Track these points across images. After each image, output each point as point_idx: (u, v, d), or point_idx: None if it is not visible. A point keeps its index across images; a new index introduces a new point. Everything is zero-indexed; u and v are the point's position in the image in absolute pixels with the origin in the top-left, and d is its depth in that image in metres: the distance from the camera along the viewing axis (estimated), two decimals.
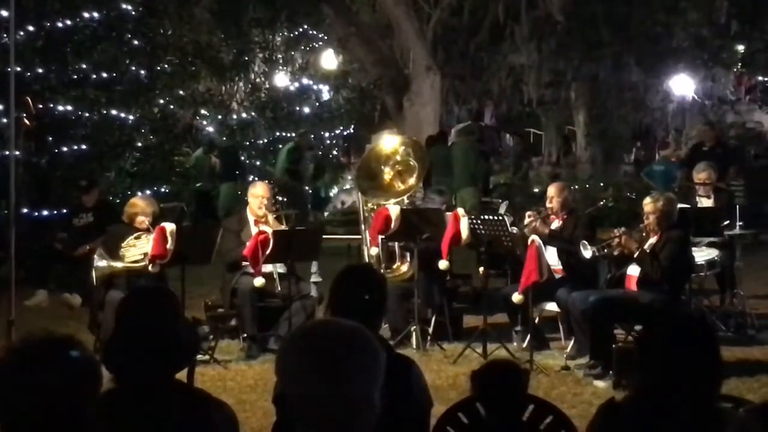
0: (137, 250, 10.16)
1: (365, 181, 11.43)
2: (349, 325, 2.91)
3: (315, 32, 27.08)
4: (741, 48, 27.47)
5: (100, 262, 10.09)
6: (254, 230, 10.48)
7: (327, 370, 2.74)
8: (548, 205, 10.62)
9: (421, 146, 12.37)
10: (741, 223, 11.43)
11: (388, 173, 11.24)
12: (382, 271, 10.70)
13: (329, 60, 27.17)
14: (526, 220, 10.47)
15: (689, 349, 3.57)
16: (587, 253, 9.58)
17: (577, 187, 22.49)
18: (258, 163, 24.16)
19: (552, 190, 10.73)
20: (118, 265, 10.12)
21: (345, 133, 28.32)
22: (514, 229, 10.38)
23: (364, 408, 2.75)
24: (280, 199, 12.24)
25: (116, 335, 3.90)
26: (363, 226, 11.24)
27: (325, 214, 21.66)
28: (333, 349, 2.77)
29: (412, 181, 11.20)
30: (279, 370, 2.86)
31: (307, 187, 22.59)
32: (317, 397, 2.73)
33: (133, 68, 17.69)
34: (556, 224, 10.49)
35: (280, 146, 24.26)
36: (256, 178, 19.60)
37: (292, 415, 2.79)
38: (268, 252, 10.05)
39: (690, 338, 3.61)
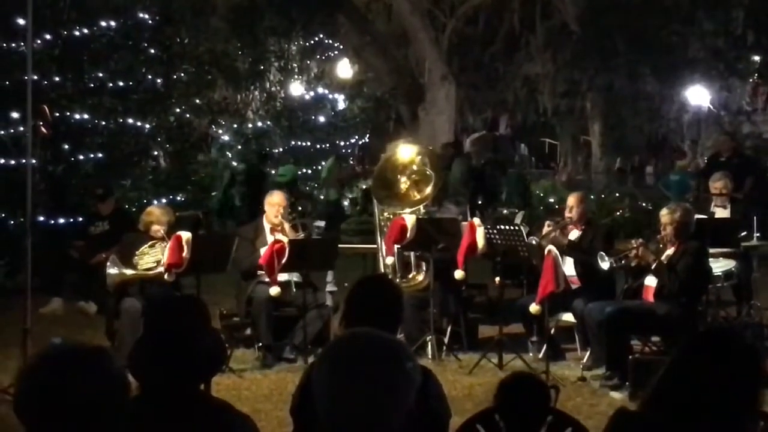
0: (150, 258, 10.16)
1: (381, 190, 11.41)
2: (389, 341, 2.90)
3: (330, 41, 27.15)
4: (757, 58, 27.42)
5: (112, 270, 10.09)
6: (270, 238, 10.49)
7: (362, 387, 2.74)
8: (567, 214, 10.57)
9: (438, 156, 12.36)
10: (758, 234, 11.40)
11: (404, 183, 11.22)
12: (397, 280, 10.69)
13: (344, 69, 27.23)
14: (545, 230, 10.42)
15: (726, 369, 3.45)
16: (605, 264, 9.54)
17: (593, 197, 22.50)
18: (273, 171, 24.18)
19: (572, 199, 10.68)
20: (130, 272, 10.12)
21: (360, 142, 28.33)
22: (533, 240, 10.33)
23: (394, 425, 2.75)
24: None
25: (144, 341, 3.86)
26: (379, 236, 11.22)
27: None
28: (370, 366, 2.77)
29: (428, 190, 11.17)
30: (311, 382, 2.85)
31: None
32: (349, 413, 2.73)
33: (150, 77, 17.73)
34: (574, 234, 10.45)
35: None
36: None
37: (320, 427, 2.78)
38: (283, 261, 10.04)
39: (730, 358, 3.49)
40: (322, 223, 15.44)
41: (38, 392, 2.82)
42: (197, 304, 4.05)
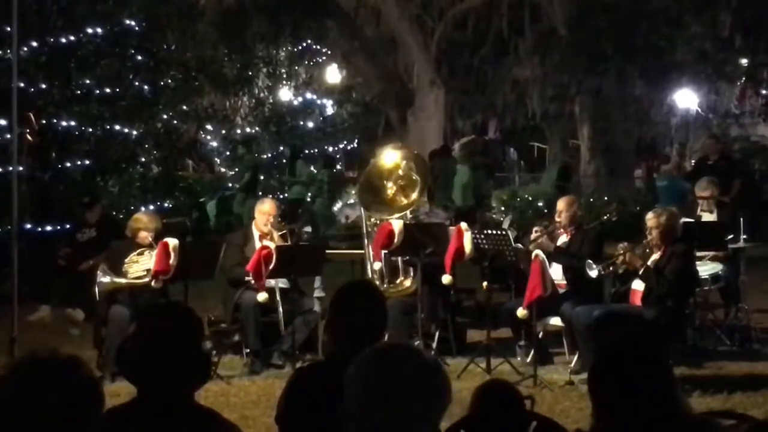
0: (140, 266, 10.16)
1: (368, 195, 11.40)
2: (428, 362, 2.90)
3: (319, 47, 27.14)
4: (745, 61, 27.45)
5: (104, 278, 10.08)
6: (258, 246, 10.48)
7: (395, 405, 2.74)
8: (557, 219, 10.57)
9: (424, 160, 12.33)
10: (745, 237, 11.41)
11: (390, 188, 11.20)
12: (385, 285, 10.70)
13: (333, 74, 27.23)
14: (533, 236, 10.41)
15: (636, 371, 3.53)
16: (593, 272, 9.54)
17: (581, 201, 22.49)
18: (261, 177, 24.16)
19: (561, 204, 10.68)
20: (121, 281, 10.11)
21: (349, 147, 28.32)
22: (519, 246, 10.33)
23: None
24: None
25: (141, 346, 3.80)
26: (366, 241, 11.21)
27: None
28: (405, 385, 2.77)
29: (414, 195, 11.16)
30: (346, 391, 2.86)
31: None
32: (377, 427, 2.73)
33: (137, 83, 17.69)
34: (563, 239, 10.44)
35: (284, 161, 24.30)
36: (260, 193, 19.67)
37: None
38: (271, 267, 10.03)
39: (634, 363, 3.57)
40: (310, 228, 15.49)
41: (9, 403, 2.81)
42: (191, 311, 4.04)
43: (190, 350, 3.73)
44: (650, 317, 9.25)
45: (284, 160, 24.09)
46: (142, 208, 14.78)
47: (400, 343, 3.06)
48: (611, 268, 9.74)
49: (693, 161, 21.86)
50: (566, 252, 10.26)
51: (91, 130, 16.46)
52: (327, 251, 11.55)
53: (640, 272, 9.52)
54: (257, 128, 24.79)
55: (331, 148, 26.50)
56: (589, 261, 9.62)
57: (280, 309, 10.31)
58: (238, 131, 24.62)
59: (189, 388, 3.72)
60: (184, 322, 3.83)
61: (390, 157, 11.47)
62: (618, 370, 3.53)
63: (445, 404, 2.87)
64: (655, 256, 9.61)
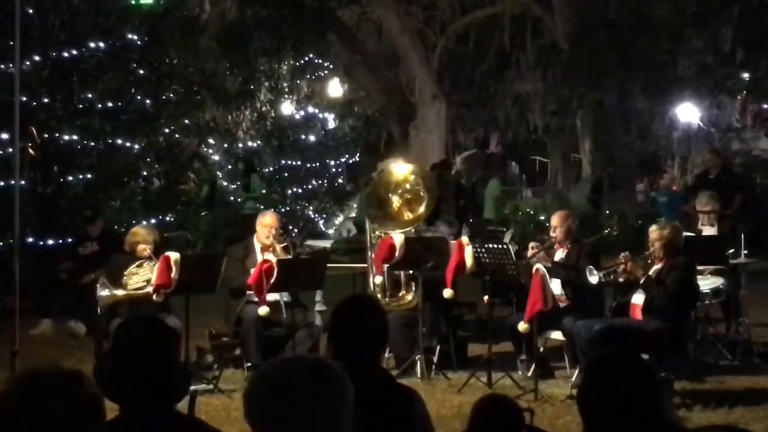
0: (139, 277, 10.19)
1: (373, 208, 11.39)
2: (309, 361, 2.95)
3: (321, 61, 27.12)
4: (746, 76, 27.49)
5: (103, 292, 10.11)
6: (260, 258, 10.47)
7: (289, 409, 2.77)
8: (552, 234, 10.56)
9: (432, 176, 12.33)
10: (746, 252, 11.41)
11: (396, 202, 11.19)
12: (387, 299, 10.70)
13: (335, 88, 27.24)
14: (530, 252, 10.41)
15: (623, 387, 3.53)
16: (593, 278, 9.53)
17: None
18: (263, 191, 24.15)
19: (555, 219, 10.67)
20: (120, 293, 10.13)
21: (351, 161, 28.29)
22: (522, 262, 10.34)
23: None
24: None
25: (118, 361, 3.82)
26: (369, 254, 11.20)
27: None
28: (294, 387, 2.81)
29: (421, 210, 11.16)
30: (246, 414, 2.93)
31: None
32: None
33: (139, 97, 17.71)
34: (560, 254, 10.44)
35: (286, 174, 24.29)
36: (262, 207, 19.65)
37: None
38: (272, 281, 10.02)
39: (621, 378, 3.57)
40: (317, 243, 15.42)
41: (11, 417, 2.82)
42: (164, 324, 4.05)
43: (166, 363, 3.73)
44: (651, 330, 9.23)
45: (286, 174, 24.11)
46: (144, 222, 14.77)
47: (293, 356, 3.13)
48: (612, 276, 9.73)
49: (693, 175, 21.82)
50: (563, 266, 10.25)
51: (93, 144, 16.49)
52: (328, 265, 11.53)
53: (641, 282, 9.51)
54: (259, 142, 24.78)
55: (333, 162, 26.47)
56: (590, 267, 9.60)
57: (284, 322, 10.34)
58: (240, 145, 24.62)
59: (169, 401, 3.73)
60: (156, 335, 3.84)
61: (400, 169, 11.48)
62: (605, 384, 3.53)
63: (338, 404, 2.90)
64: (657, 267, 9.61)
